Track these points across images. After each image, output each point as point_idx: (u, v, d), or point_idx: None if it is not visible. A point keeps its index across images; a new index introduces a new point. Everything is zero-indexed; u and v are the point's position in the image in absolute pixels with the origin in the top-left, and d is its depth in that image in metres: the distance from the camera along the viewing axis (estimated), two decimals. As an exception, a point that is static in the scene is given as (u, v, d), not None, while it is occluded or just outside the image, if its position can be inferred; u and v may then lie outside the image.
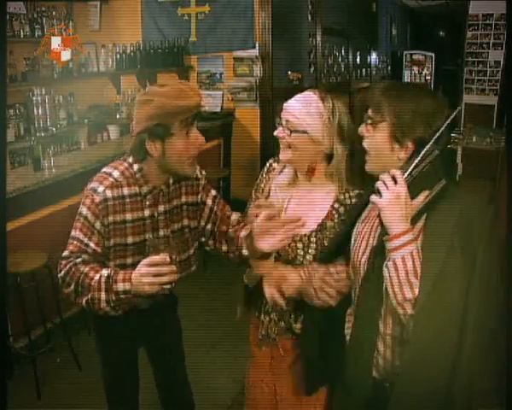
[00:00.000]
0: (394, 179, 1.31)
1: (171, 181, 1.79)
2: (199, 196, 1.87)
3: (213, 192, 1.91)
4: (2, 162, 1.74)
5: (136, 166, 1.72)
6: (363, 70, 8.27)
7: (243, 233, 1.77)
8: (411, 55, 9.25)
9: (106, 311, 1.64)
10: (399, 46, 10.26)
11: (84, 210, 1.70)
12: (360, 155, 1.56)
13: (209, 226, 1.89)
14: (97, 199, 1.68)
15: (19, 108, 4.52)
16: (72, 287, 1.66)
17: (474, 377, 1.33)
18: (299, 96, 1.74)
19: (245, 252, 1.74)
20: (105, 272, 1.63)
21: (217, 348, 3.35)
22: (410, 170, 1.34)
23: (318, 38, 6.06)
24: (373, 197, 1.34)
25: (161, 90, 1.62)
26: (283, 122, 1.72)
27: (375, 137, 1.42)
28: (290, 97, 1.75)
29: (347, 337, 1.58)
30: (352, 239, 1.57)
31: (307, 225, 1.72)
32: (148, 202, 1.74)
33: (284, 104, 1.74)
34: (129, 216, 1.72)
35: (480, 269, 1.29)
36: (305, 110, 1.69)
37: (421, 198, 1.38)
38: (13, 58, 4.51)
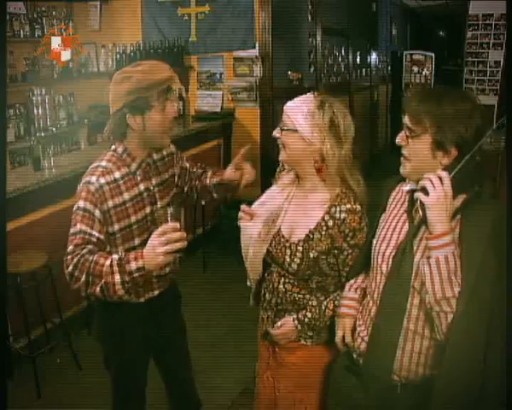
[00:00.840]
0: (440, 180, 1.32)
1: (155, 156, 1.92)
2: (180, 165, 2.08)
3: (184, 157, 2.14)
4: (2, 162, 1.75)
5: (120, 149, 1.84)
6: (363, 70, 8.26)
7: (214, 180, 2.09)
8: (411, 55, 9.22)
9: (120, 295, 1.64)
10: (399, 46, 10.25)
11: (81, 203, 1.73)
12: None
13: (188, 184, 2.13)
14: (93, 188, 1.74)
15: (19, 108, 4.52)
16: (83, 278, 1.64)
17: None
18: (298, 97, 1.74)
19: (215, 196, 2.12)
20: (115, 256, 1.65)
21: (217, 347, 3.35)
22: (455, 171, 1.34)
23: (318, 38, 6.05)
24: (419, 195, 1.34)
25: (137, 68, 1.77)
26: (281, 123, 1.73)
27: (416, 147, 1.42)
28: (290, 97, 1.76)
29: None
30: (377, 232, 1.60)
31: (297, 232, 1.73)
32: (139, 177, 1.85)
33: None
34: (127, 196, 1.81)
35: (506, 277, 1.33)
36: (297, 109, 1.70)
37: (460, 201, 1.39)
38: (13, 58, 4.51)
